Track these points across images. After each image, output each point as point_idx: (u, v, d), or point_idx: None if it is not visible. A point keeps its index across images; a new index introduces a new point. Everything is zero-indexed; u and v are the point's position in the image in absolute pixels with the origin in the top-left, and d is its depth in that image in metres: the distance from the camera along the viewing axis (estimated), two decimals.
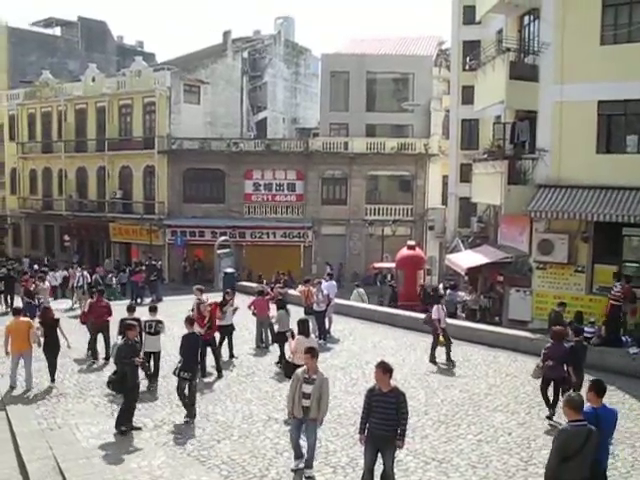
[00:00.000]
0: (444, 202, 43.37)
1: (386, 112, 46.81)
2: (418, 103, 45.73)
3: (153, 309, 15.54)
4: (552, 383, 12.48)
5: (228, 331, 17.34)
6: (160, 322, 15.05)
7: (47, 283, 27.83)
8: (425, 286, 29.31)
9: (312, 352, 9.94)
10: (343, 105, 47.29)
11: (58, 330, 15.35)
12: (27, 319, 15.75)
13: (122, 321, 15.12)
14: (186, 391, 12.46)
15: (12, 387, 14.80)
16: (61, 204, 52.37)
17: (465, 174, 34.88)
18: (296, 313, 17.64)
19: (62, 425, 12.24)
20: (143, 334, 14.70)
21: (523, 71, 22.53)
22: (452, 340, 17.05)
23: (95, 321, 17.50)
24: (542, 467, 9.98)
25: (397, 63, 46.92)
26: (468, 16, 35.14)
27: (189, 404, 12.49)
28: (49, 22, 65.07)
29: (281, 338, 16.39)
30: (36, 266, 39.52)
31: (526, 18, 24.07)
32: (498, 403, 13.43)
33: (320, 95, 50.00)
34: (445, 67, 48.23)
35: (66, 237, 50.85)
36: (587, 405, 7.69)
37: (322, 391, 9.72)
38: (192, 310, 16.24)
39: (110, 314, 17.34)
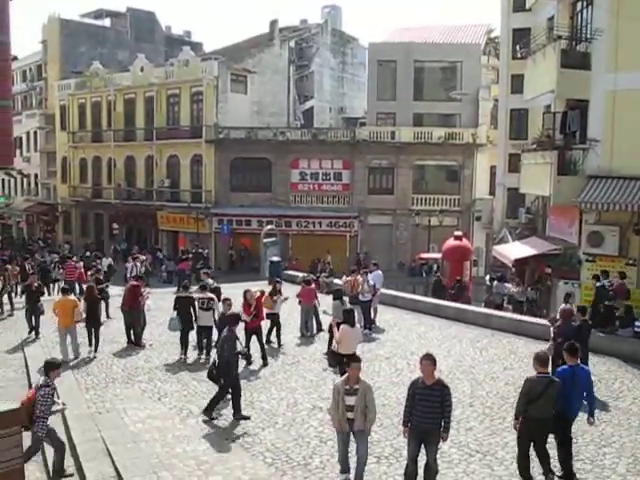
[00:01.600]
0: (492, 192, 42.81)
1: (433, 101, 46.32)
2: (466, 92, 45.17)
3: (203, 287, 17.11)
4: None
5: (276, 319, 17.53)
6: (212, 299, 16.45)
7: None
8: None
9: (360, 362, 9.33)
10: (390, 94, 46.91)
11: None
12: (73, 298, 17.55)
13: (178, 298, 16.97)
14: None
15: (64, 360, 15.32)
16: (110, 192, 53.23)
17: (513, 164, 34.40)
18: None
19: (110, 409, 12.47)
20: (197, 310, 16.35)
21: (575, 59, 22.09)
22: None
23: (125, 307, 18.00)
24: (589, 463, 9.98)
25: (445, 52, 46.35)
26: (518, 3, 34.53)
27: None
28: (99, 13, 66.06)
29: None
30: (88, 253, 40.24)
31: (579, 4, 23.54)
32: None
33: (367, 84, 49.64)
34: (494, 55, 47.52)
35: (115, 225, 51.79)
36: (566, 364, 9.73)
37: (367, 400, 9.07)
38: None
39: (140, 295, 18.08)
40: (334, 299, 17.06)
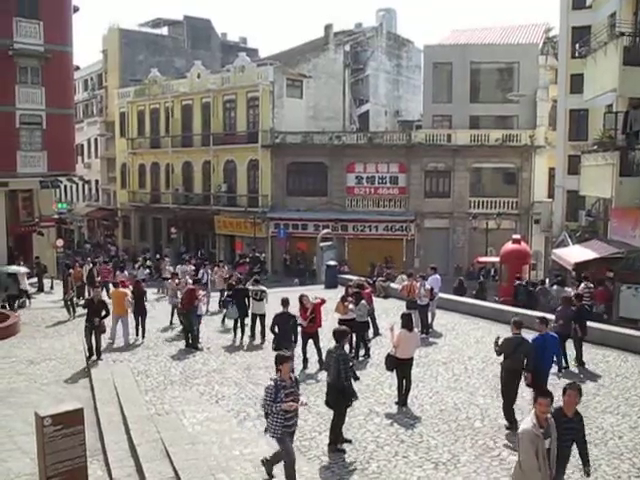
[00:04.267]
0: (550, 195, 42.02)
1: (490, 103, 45.70)
2: (524, 93, 44.46)
3: (257, 281, 19.77)
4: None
5: (354, 326, 17.40)
6: (264, 291, 18.82)
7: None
8: (522, 281, 28.05)
9: (551, 396, 7.64)
10: (446, 97, 46.50)
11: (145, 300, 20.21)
12: (124, 290, 19.91)
13: (235, 290, 19.59)
14: None
15: (111, 341, 18.54)
16: (168, 197, 54.11)
17: (573, 166, 33.76)
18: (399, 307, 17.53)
19: (169, 411, 12.63)
20: (251, 300, 18.84)
21: (638, 56, 21.53)
22: None
23: (182, 310, 18.73)
24: None
25: (501, 52, 45.72)
26: (578, 0, 33.89)
27: None
28: (157, 22, 67.31)
29: (362, 328, 16.87)
30: (167, 258, 40.21)
31: None
32: (607, 404, 12.89)
33: (423, 87, 49.35)
34: (552, 55, 46.65)
35: (173, 229, 52.56)
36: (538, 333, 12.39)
37: (553, 437, 7.63)
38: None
39: (196, 298, 18.64)
40: (358, 300, 17.11)
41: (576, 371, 15.35)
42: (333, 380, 10.63)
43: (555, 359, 12.98)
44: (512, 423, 11.44)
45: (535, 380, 11.41)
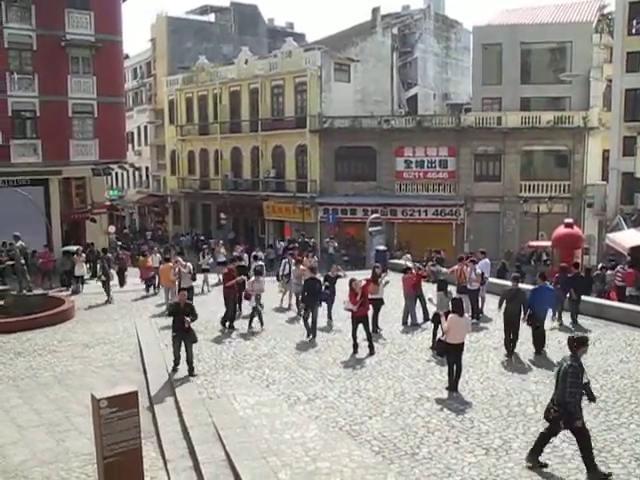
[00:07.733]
0: (604, 178, 41.09)
1: (542, 84, 44.75)
2: (577, 73, 43.36)
3: (256, 257, 23.37)
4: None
5: (377, 305, 17.52)
6: (262, 266, 20.71)
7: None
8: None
9: None
10: (496, 78, 45.72)
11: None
12: (170, 264, 22.04)
13: (238, 267, 20.69)
14: (309, 320, 17.04)
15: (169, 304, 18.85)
16: (217, 183, 54.48)
17: (628, 147, 33.02)
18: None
19: (221, 395, 12.76)
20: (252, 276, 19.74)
21: None
22: None
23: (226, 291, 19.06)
24: None
25: (553, 32, 44.71)
26: None
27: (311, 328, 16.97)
28: (204, 9, 67.69)
29: (438, 319, 15.47)
30: (221, 242, 37.60)
31: None
32: None
33: (472, 69, 48.63)
34: (607, 33, 45.41)
35: (222, 215, 52.98)
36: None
37: None
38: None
39: (238, 282, 19.08)
40: (438, 290, 16.61)
41: (571, 327, 17.73)
42: (558, 395, 9.06)
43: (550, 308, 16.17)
44: (510, 354, 14.94)
45: (533, 321, 14.95)
